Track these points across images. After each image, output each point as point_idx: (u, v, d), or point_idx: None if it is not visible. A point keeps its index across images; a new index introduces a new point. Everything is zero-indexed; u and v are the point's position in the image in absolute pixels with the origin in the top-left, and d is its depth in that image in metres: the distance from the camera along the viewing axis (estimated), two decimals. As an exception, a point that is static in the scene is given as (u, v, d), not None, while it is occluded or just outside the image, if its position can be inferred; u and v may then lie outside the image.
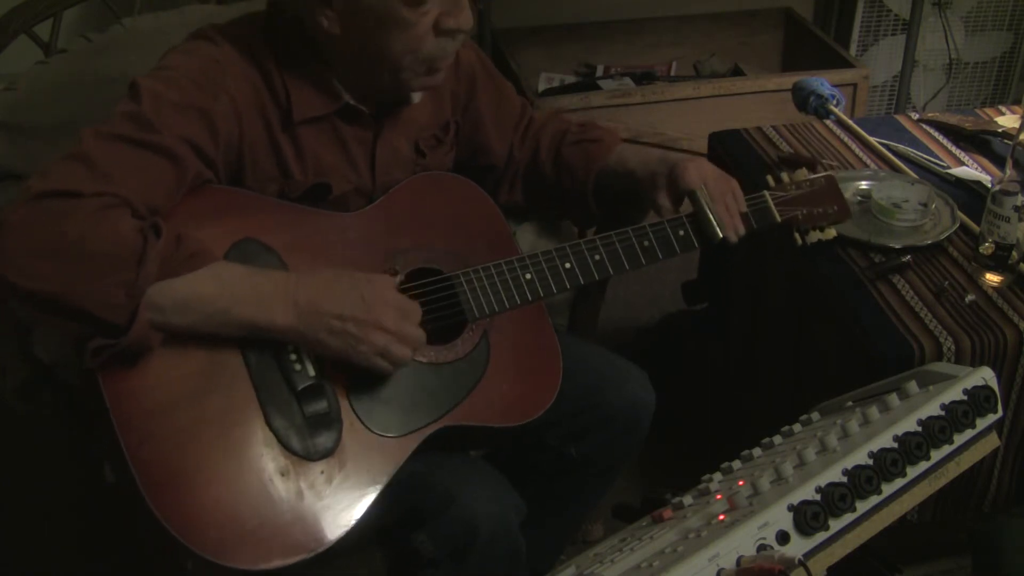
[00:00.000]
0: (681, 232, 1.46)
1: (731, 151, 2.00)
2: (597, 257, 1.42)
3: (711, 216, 1.45)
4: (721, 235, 1.45)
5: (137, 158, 1.18)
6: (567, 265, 1.41)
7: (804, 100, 1.97)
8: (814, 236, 1.58)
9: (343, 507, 1.21)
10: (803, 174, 1.59)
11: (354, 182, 1.41)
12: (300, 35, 1.32)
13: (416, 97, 1.43)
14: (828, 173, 1.62)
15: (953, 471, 1.13)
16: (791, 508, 1.00)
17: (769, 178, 1.57)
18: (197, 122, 1.23)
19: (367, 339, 1.22)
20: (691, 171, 1.46)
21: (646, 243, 1.44)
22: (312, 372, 1.24)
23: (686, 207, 1.48)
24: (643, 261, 1.44)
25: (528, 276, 1.39)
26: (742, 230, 1.48)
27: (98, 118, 1.21)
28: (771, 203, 1.53)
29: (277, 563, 1.16)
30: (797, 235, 1.57)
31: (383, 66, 1.31)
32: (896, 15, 3.18)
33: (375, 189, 1.43)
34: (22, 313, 1.27)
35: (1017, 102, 2.50)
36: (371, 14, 1.26)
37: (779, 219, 1.53)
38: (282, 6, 1.32)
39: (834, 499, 1.02)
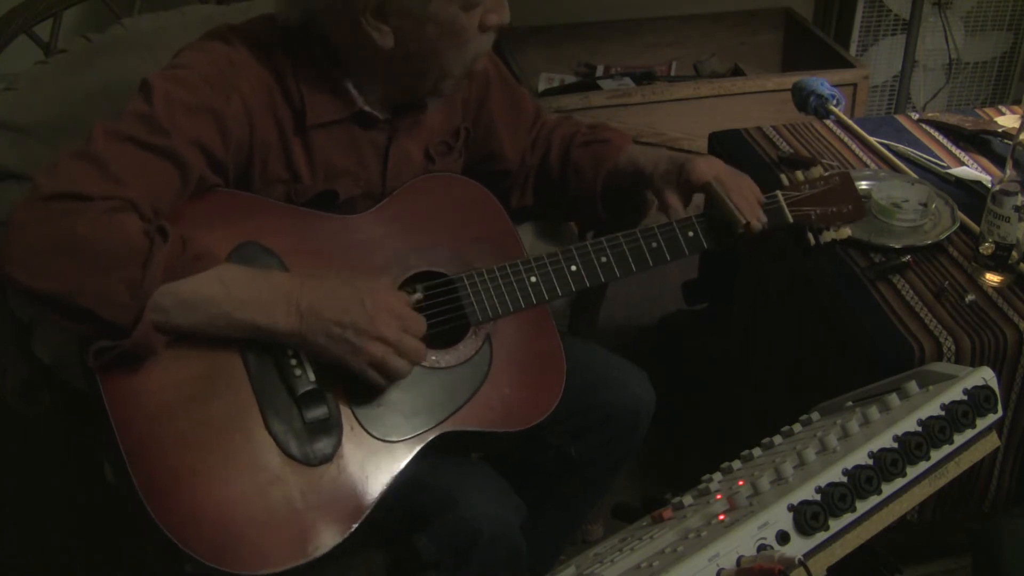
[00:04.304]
0: (691, 233, 1.45)
1: (731, 151, 2.00)
2: (604, 259, 1.41)
3: (730, 203, 1.43)
4: (744, 221, 1.43)
5: (145, 161, 1.18)
6: (573, 268, 1.40)
7: (804, 100, 1.97)
8: (828, 236, 1.56)
9: (342, 512, 1.21)
10: (818, 172, 1.57)
11: (364, 186, 1.40)
12: (320, 41, 1.31)
13: (432, 104, 1.43)
14: (843, 171, 1.60)
15: (953, 471, 1.13)
16: (791, 508, 1.00)
17: (783, 177, 1.55)
18: (207, 123, 1.23)
19: (365, 349, 1.22)
20: (702, 166, 1.45)
21: (654, 244, 1.43)
22: (312, 377, 1.23)
23: (692, 209, 1.47)
24: (651, 263, 1.43)
25: (533, 279, 1.38)
26: (764, 217, 1.47)
27: (98, 119, 1.20)
28: (783, 203, 1.51)
29: (275, 568, 1.16)
30: (810, 235, 1.55)
31: (431, 72, 1.32)
32: (896, 15, 3.18)
33: (385, 194, 1.42)
34: (28, 312, 1.27)
35: (1017, 102, 2.50)
36: (431, 25, 1.26)
37: (791, 220, 1.52)
38: (315, 19, 1.30)
39: (834, 499, 1.02)
